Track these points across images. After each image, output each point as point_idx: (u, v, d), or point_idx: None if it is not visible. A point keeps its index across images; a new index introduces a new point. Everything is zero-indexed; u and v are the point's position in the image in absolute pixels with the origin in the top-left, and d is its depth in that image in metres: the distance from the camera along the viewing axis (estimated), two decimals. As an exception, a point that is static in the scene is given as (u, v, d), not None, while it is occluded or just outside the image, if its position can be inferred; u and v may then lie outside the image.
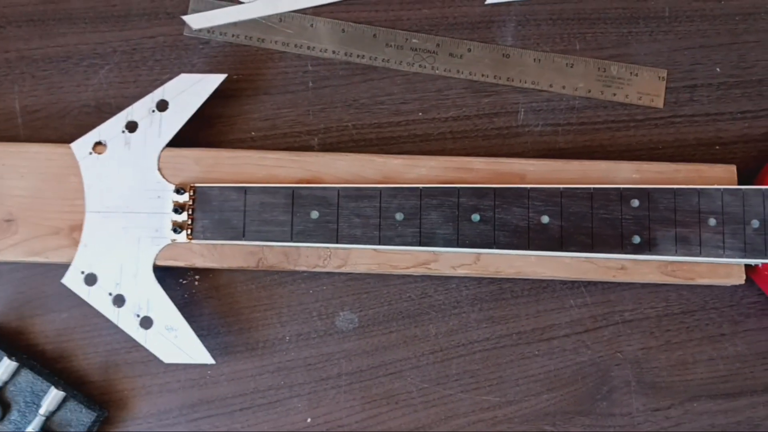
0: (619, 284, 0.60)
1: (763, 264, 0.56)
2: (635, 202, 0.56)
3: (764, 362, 0.59)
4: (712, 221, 0.56)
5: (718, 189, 0.56)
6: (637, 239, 0.56)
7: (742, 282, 0.57)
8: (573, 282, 0.60)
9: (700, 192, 0.56)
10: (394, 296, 0.60)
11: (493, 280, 0.60)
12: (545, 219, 0.56)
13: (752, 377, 0.59)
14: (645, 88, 0.62)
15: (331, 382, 0.60)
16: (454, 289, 0.60)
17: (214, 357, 0.55)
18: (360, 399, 0.59)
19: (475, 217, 0.56)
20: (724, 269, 0.57)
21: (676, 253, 0.55)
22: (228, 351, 0.59)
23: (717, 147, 0.62)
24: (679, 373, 0.59)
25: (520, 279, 0.60)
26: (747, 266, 0.57)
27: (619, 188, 0.56)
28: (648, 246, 0.56)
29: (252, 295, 0.60)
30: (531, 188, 0.56)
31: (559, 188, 0.56)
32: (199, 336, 0.55)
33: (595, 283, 0.60)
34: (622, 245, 0.56)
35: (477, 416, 0.59)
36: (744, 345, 0.60)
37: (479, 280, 0.60)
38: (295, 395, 0.59)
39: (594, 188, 0.56)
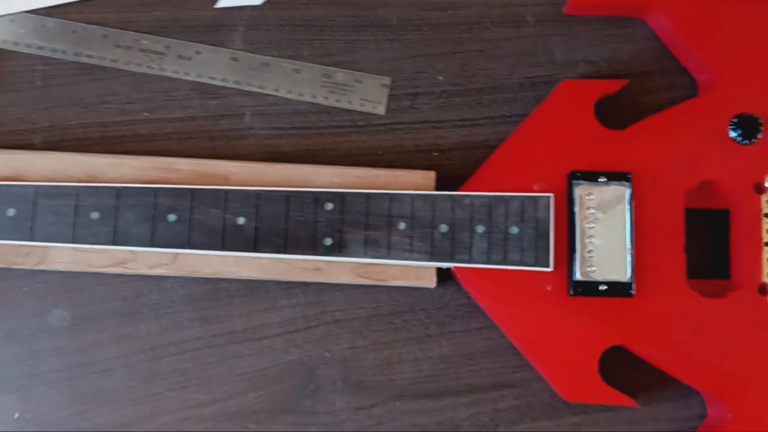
0: (333, 285, 0.61)
1: (455, 267, 0.58)
2: (329, 206, 0.57)
3: (468, 364, 0.61)
4: (402, 225, 0.57)
5: (409, 194, 0.57)
6: (328, 241, 0.57)
7: (433, 285, 0.59)
8: (288, 282, 0.61)
9: (391, 197, 0.57)
10: (108, 295, 0.61)
11: (209, 280, 0.61)
12: (241, 220, 0.57)
13: (456, 378, 0.61)
14: (368, 94, 0.63)
15: (40, 378, 0.60)
16: (170, 288, 0.61)
17: None
18: (68, 395, 0.60)
19: (171, 217, 0.57)
20: (415, 271, 0.58)
21: (365, 255, 0.57)
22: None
23: (435, 153, 0.63)
24: (384, 372, 0.61)
25: (235, 279, 0.61)
26: (453, 269, 0.59)
27: (314, 192, 0.57)
28: (339, 248, 0.57)
29: (-36, 292, 0.60)
30: (228, 190, 0.57)
31: (256, 190, 0.57)
32: None
33: (309, 284, 0.61)
34: (314, 247, 0.57)
35: (183, 414, 0.60)
36: (449, 346, 0.61)
37: (196, 280, 0.61)
38: (4, 391, 0.60)
39: (290, 191, 0.57)
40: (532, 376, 0.59)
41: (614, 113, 0.62)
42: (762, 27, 0.59)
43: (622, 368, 0.58)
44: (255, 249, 0.57)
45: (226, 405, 0.60)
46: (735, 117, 0.58)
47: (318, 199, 0.57)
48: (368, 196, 0.57)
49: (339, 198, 0.57)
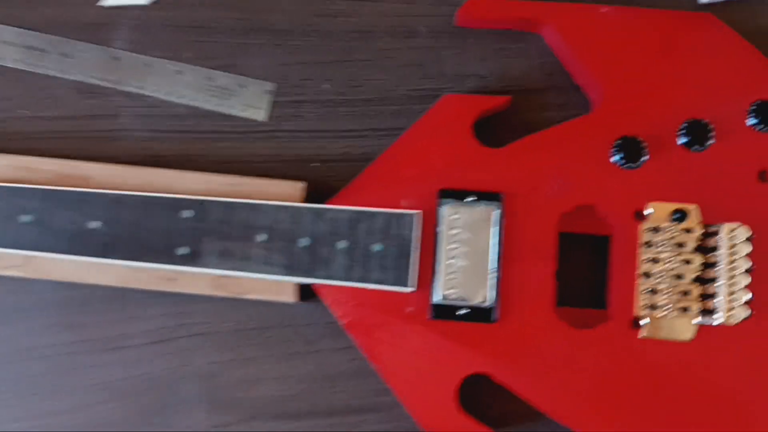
0: (199, 296, 0.59)
1: (314, 284, 0.55)
2: (187, 213, 0.55)
3: (332, 385, 0.58)
4: (262, 237, 0.55)
5: (272, 204, 0.55)
6: (184, 250, 0.55)
7: (293, 300, 0.56)
8: (153, 291, 0.59)
9: (253, 206, 0.55)
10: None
11: (70, 285, 0.59)
12: (95, 224, 0.55)
13: (319, 399, 0.58)
14: (250, 100, 0.61)
15: None
16: (28, 291, 0.59)
17: None
18: None
19: (24, 218, 0.55)
20: (276, 286, 0.56)
21: (221, 267, 0.55)
22: None
23: (316, 164, 0.61)
24: (246, 390, 0.59)
25: (101, 285, 0.59)
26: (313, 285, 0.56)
27: (173, 198, 0.55)
28: (194, 258, 0.55)
29: None
30: (84, 192, 0.55)
31: (113, 194, 0.55)
32: None
33: (174, 294, 0.59)
34: (168, 255, 0.55)
35: (29, 423, 0.58)
36: (315, 366, 0.59)
37: (56, 284, 0.59)
38: None
39: (148, 196, 0.55)
40: (396, 401, 0.56)
41: (503, 131, 0.59)
42: (651, 48, 0.56)
43: (495, 397, 0.55)
44: (106, 255, 0.55)
45: (77, 416, 0.58)
46: (617, 139, 0.55)
47: (176, 205, 0.55)
48: (228, 205, 0.55)
49: (198, 205, 0.55)
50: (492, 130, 0.59)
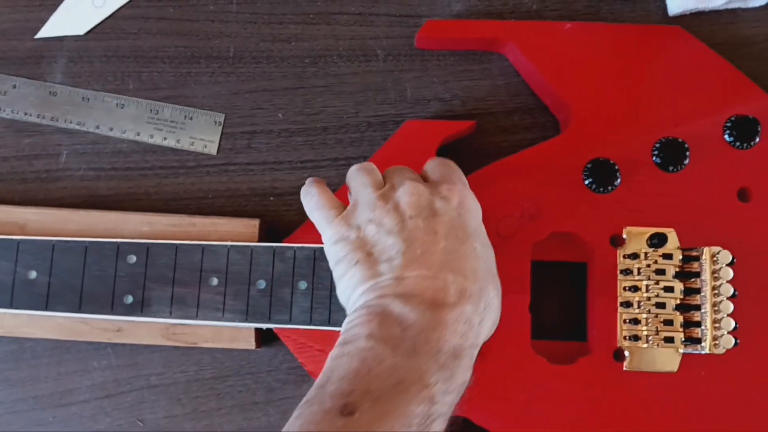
0: (149, 346, 0.55)
1: (275, 328, 0.52)
2: (132, 258, 0.51)
3: (298, 434, 0.54)
4: (214, 280, 0.51)
5: (224, 245, 0.51)
6: (129, 299, 0.51)
7: (252, 347, 0.52)
8: (99, 343, 0.55)
9: (204, 248, 0.51)
10: None
11: (14, 339, 0.55)
12: (33, 274, 0.51)
13: (283, 451, 0.54)
14: (199, 132, 0.58)
15: None
16: (-34, 347, 0.55)
17: None
18: None
19: (-46, 270, 0.50)
20: (231, 332, 0.52)
21: (171, 315, 0.51)
22: None
23: (272, 198, 0.57)
24: (204, 445, 0.54)
25: (43, 338, 0.54)
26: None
27: (115, 242, 0.51)
28: (141, 306, 0.51)
29: None
30: (20, 240, 0.51)
31: (50, 240, 0.51)
32: None
33: (123, 345, 0.55)
34: (112, 305, 0.51)
35: (-27, 490, 0.53)
36: (278, 414, 0.55)
37: (6, 339, 0.55)
38: None
39: (89, 241, 0.51)
40: (366, 450, 0.52)
41: (469, 155, 0.56)
42: (618, 64, 0.53)
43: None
44: (47, 307, 0.51)
45: (22, 481, 0.53)
46: (589, 162, 0.52)
47: (120, 250, 0.51)
48: (177, 248, 0.51)
49: (143, 249, 0.51)
50: (457, 155, 0.55)
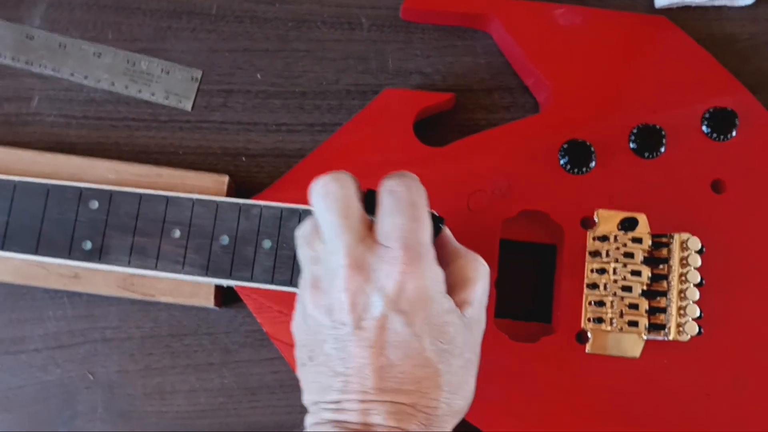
0: (107, 298, 0.53)
1: (236, 286, 0.50)
2: (95, 204, 0.50)
3: (251, 399, 0.53)
4: (177, 233, 0.50)
5: (189, 198, 0.50)
6: (88, 245, 0.49)
7: (211, 305, 0.51)
8: (57, 291, 0.53)
9: (169, 199, 0.50)
10: None
11: (-34, 281, 0.53)
12: (-9, 213, 0.49)
13: (235, 414, 0.53)
14: (175, 87, 0.57)
15: None
16: None
17: None
18: None
19: None
20: (192, 288, 0.51)
21: (129, 264, 0.49)
22: None
23: (243, 158, 0.56)
24: (153, 402, 0.53)
25: (-2, 282, 0.53)
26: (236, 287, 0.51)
27: (79, 186, 0.50)
28: (100, 253, 0.49)
29: None
30: (-21, 177, 0.50)
31: (13, 180, 0.50)
32: None
33: (80, 294, 0.53)
34: (70, 250, 0.49)
35: None
36: (233, 378, 0.53)
37: (-49, 280, 0.53)
38: None
39: (51, 184, 0.50)
40: (320, 418, 0.51)
41: (446, 131, 0.56)
42: (603, 49, 0.53)
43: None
44: (3, 247, 0.49)
45: (-37, 427, 0.52)
46: (565, 143, 0.51)
47: (82, 195, 0.50)
48: (141, 197, 0.50)
49: (106, 196, 0.50)
50: (434, 130, 0.55)
